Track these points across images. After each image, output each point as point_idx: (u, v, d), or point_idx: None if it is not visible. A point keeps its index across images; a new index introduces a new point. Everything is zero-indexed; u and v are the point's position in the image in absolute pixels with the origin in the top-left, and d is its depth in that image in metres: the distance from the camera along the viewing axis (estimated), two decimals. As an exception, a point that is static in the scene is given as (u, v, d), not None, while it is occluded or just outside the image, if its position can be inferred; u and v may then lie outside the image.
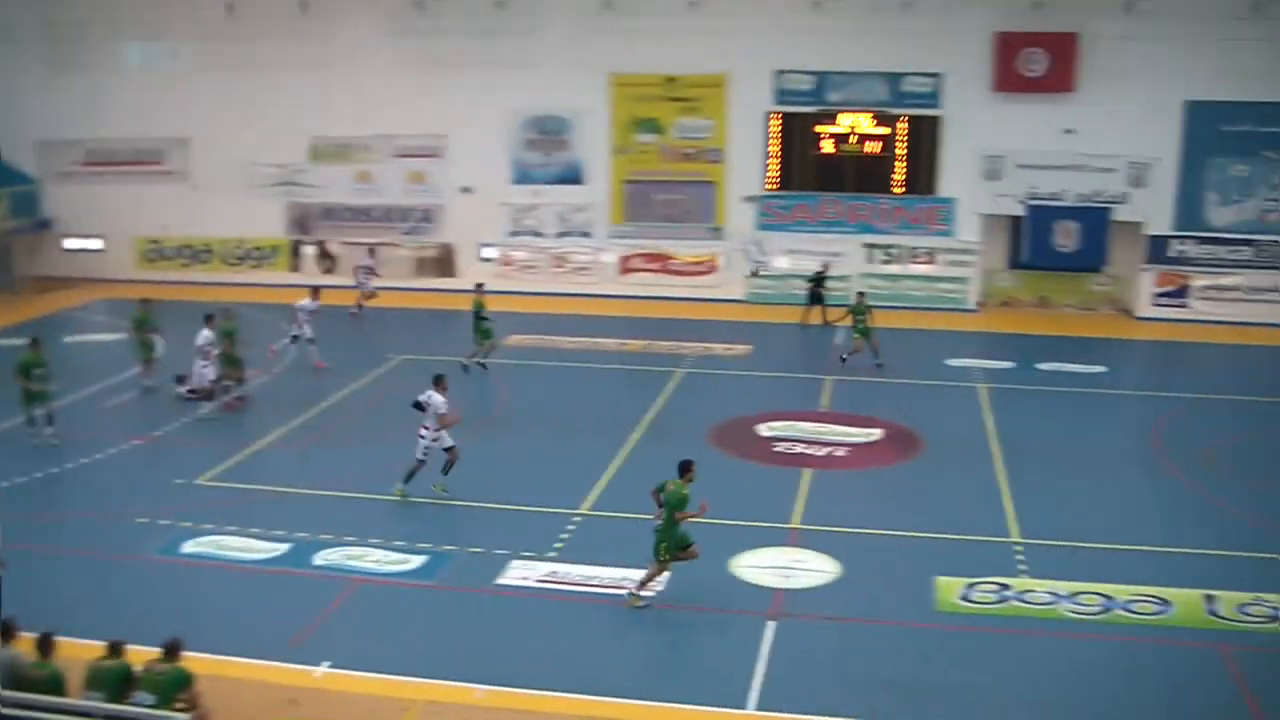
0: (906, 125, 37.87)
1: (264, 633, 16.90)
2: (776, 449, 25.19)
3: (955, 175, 38.05)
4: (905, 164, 38.11)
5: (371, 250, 38.36)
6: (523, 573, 18.92)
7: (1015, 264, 39.11)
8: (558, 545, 19.95)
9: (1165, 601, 18.51)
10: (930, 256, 38.61)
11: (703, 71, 38.27)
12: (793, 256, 38.94)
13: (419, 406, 22.09)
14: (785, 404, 28.12)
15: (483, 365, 30.14)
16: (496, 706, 15.00)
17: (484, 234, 39.92)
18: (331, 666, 15.95)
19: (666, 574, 18.24)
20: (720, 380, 30.55)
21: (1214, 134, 37.20)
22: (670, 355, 32.25)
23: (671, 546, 17.92)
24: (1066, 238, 37.69)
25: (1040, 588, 18.84)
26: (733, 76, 38.30)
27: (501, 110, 39.15)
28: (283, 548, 19.74)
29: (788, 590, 18.59)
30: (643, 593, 18.04)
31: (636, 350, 32.88)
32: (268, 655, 16.21)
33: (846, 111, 37.99)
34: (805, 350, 33.39)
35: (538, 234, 39.73)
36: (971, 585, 18.80)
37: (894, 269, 38.69)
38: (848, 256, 38.53)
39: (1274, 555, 20.43)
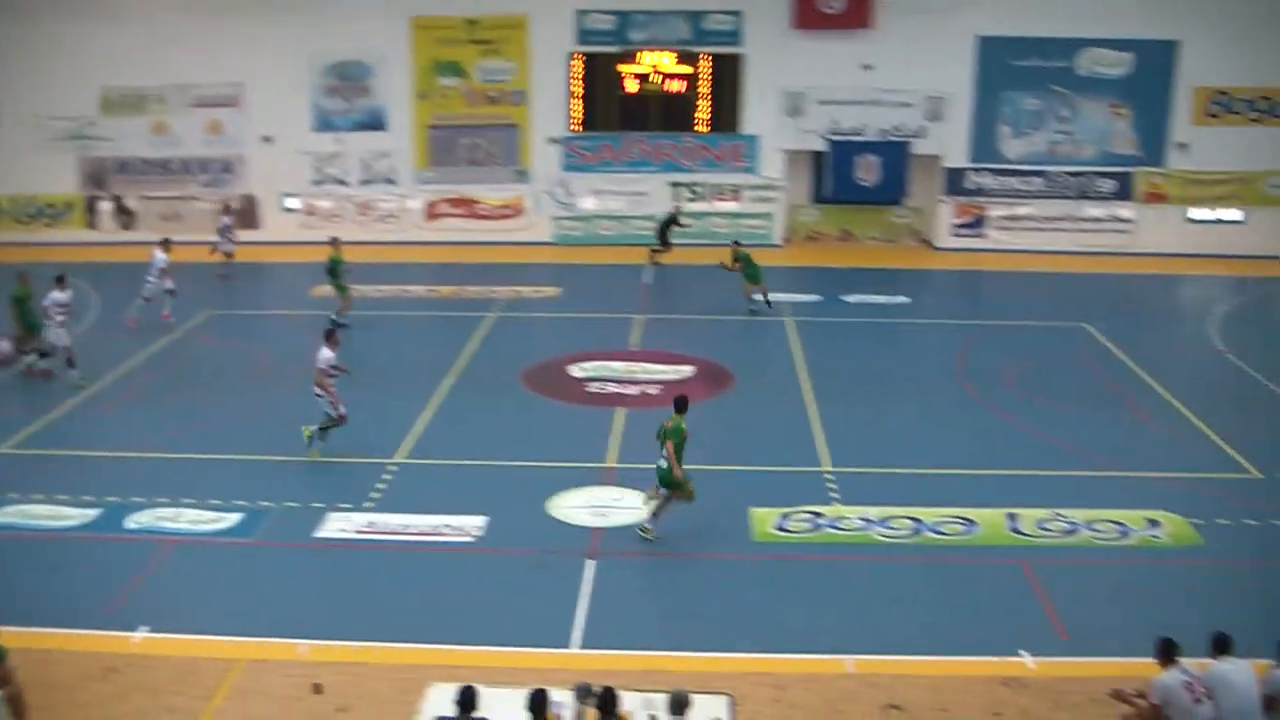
0: (709, 63, 38.01)
1: (78, 601, 16.43)
2: (590, 389, 25.30)
3: (758, 112, 38.41)
4: (709, 102, 38.30)
5: (227, 208, 37.16)
6: (340, 525, 18.73)
7: (819, 199, 39.74)
8: (374, 495, 19.79)
9: (971, 521, 19.18)
10: (735, 193, 38.99)
11: (504, 12, 37.90)
12: (599, 197, 38.99)
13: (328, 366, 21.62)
14: (596, 344, 28.24)
15: (341, 321, 29.42)
16: (322, 661, 14.86)
17: (287, 184, 39.04)
18: (150, 631, 15.60)
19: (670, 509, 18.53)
20: (531, 323, 30.56)
21: (1005, 69, 38.22)
22: (480, 300, 32.09)
23: (687, 482, 18.32)
24: (868, 172, 38.41)
25: (852, 514, 19.33)
26: (534, 17, 37.98)
27: (300, 56, 38.22)
28: (93, 513, 19.12)
29: (607, 529, 18.76)
30: (650, 526, 18.45)
31: (446, 296, 32.67)
32: (83, 624, 15.79)
33: (649, 50, 38.00)
34: (614, 290, 33.47)
35: (342, 182, 39.00)
36: (786, 515, 19.21)
37: (700, 207, 38.96)
38: (653, 195, 38.69)
39: (1070, 472, 21.34)
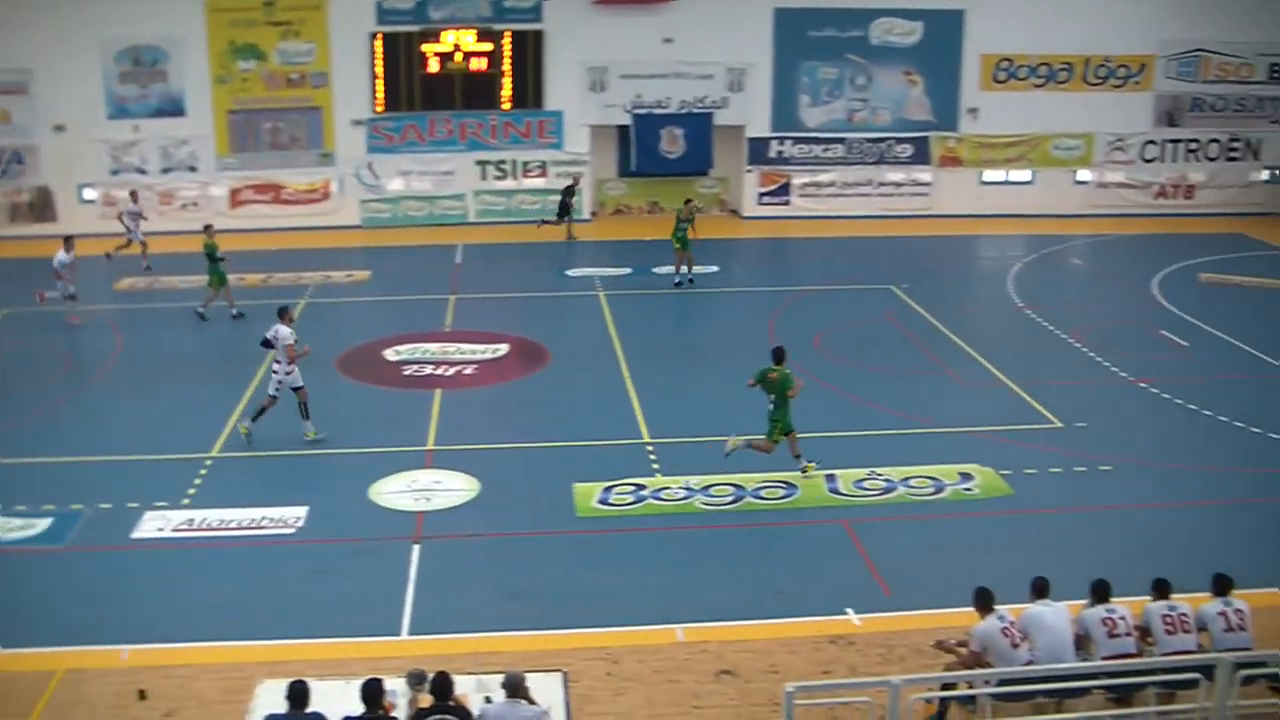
0: (510, 40, 37.83)
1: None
2: (405, 372, 25.12)
3: (561, 88, 38.39)
4: (511, 79, 38.12)
5: (134, 194, 35.55)
6: (158, 524, 18.24)
7: (625, 172, 39.98)
8: (191, 492, 19.32)
9: (791, 485, 19.56)
10: (542, 170, 38.94)
11: (301, -7, 37.27)
12: (406, 178, 38.60)
13: (267, 344, 21.11)
14: (410, 326, 28.04)
15: (201, 314, 28.68)
16: (145, 666, 14.44)
17: (83, 174, 37.79)
18: (-42, 648, 15.02)
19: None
20: (343, 308, 30.17)
21: (803, 39, 38.89)
22: (290, 286, 31.51)
23: (785, 427, 19.58)
24: (673, 144, 38.76)
25: (674, 484, 19.57)
26: (332, -4, 37.43)
27: (91, 41, 36.83)
28: (-111, 525, 18.37)
29: (429, 512, 18.68)
30: (807, 463, 19.83)
31: (255, 284, 31.98)
32: (-112, 643, 15.13)
33: (450, 28, 37.63)
34: (425, 272, 33.20)
35: (141, 171, 37.87)
36: (608, 488, 19.36)
37: (508, 184, 38.86)
38: (460, 174, 38.47)
39: (884, 431, 21.91)
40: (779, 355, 20.13)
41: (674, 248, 31.63)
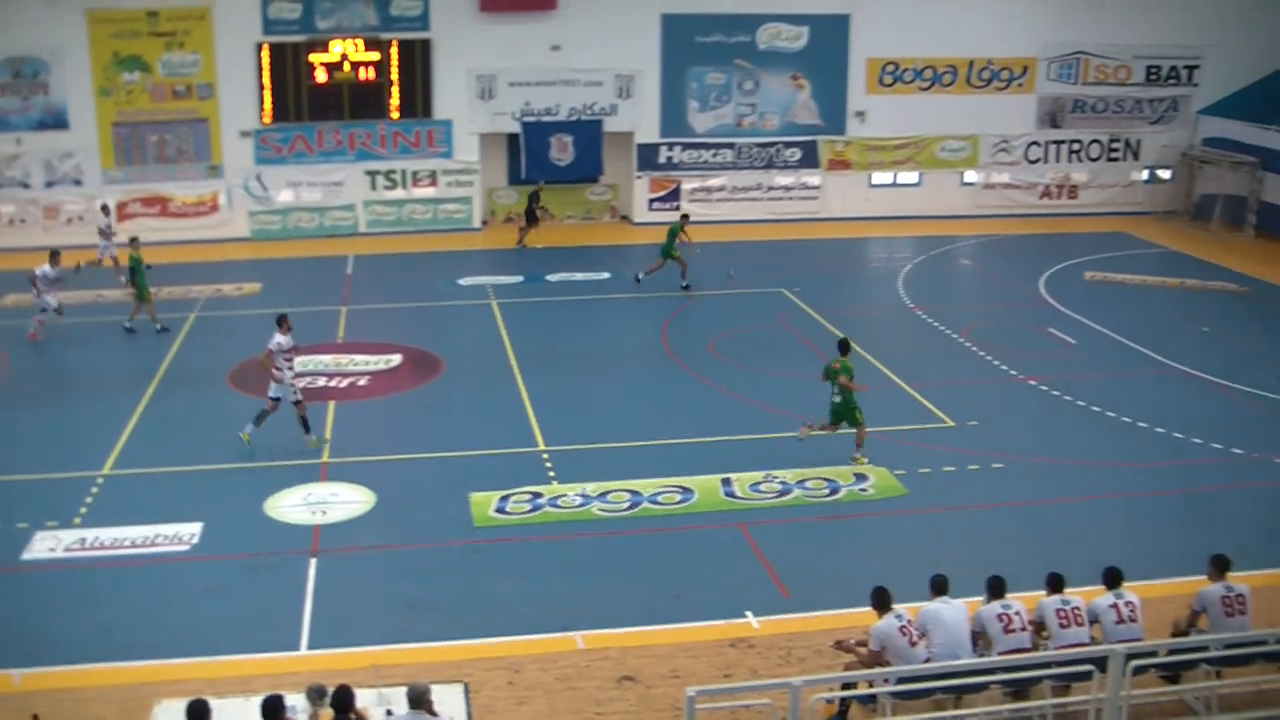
0: (398, 49, 37.53)
1: None
2: (299, 385, 24.77)
3: (450, 96, 38.15)
4: (400, 88, 37.80)
5: (105, 208, 34.24)
6: (49, 544, 17.82)
7: (516, 180, 39.82)
8: (82, 511, 18.93)
9: (688, 490, 19.65)
10: (432, 179, 38.68)
11: (185, 4, 36.57)
12: (295, 189, 38.13)
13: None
14: (302, 338, 27.47)
15: (129, 329, 28.08)
16: (39, 690, 14.10)
17: (-39, 189, 36.91)
18: None
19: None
20: (234, 321, 29.72)
21: (690, 45, 39.07)
22: (180, 300, 30.95)
23: (858, 410, 20.68)
24: (563, 151, 38.74)
25: (571, 491, 19.57)
26: (217, 7, 36.73)
27: (-34, 53, 36.14)
28: None
29: (326, 525, 18.49)
30: (861, 452, 20.85)
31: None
32: None
33: (337, 38, 37.26)
34: (317, 283, 32.80)
35: (24, 185, 37.06)
36: (505, 497, 19.31)
37: (398, 194, 38.56)
38: (350, 184, 38.10)
39: (779, 434, 21.99)
40: (844, 347, 21.30)
41: (672, 255, 31.96)
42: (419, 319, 29.62)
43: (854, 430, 20.87)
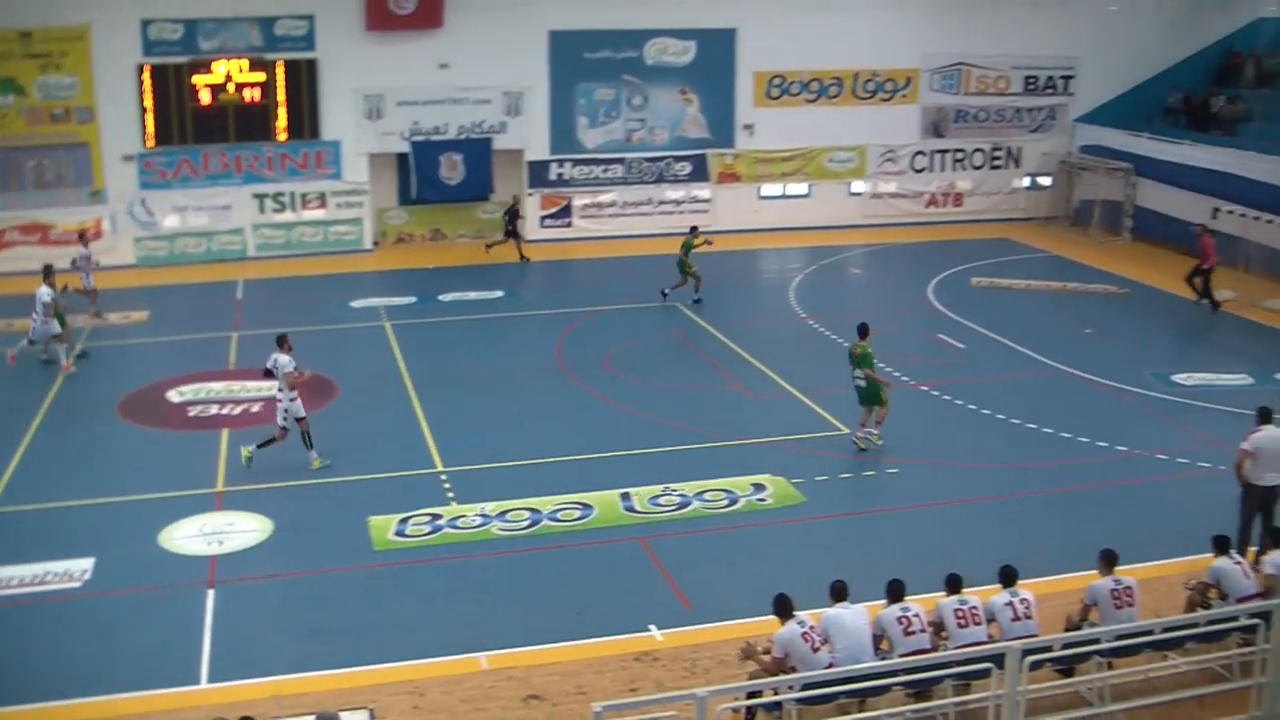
0: (283, 70, 37.17)
1: None
2: (190, 414, 24.50)
3: (337, 117, 37.84)
4: (286, 109, 37.43)
5: (83, 236, 32.67)
6: (-69, 585, 17.46)
7: (406, 200, 39.62)
8: (-34, 549, 18.56)
9: (587, 505, 19.70)
10: (322, 201, 38.36)
11: (62, 24, 35.87)
12: (181, 214, 37.55)
13: (268, 373, 20.91)
14: (193, 366, 27.33)
15: (47, 358, 27.46)
16: (-76, 733, 13.88)
17: None
18: None
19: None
20: (122, 351, 29.21)
21: (578, 61, 39.18)
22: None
23: (882, 391, 22.00)
24: (453, 170, 38.64)
25: (470, 512, 19.51)
26: (96, 28, 36.05)
27: None
28: None
29: (222, 555, 18.25)
30: (875, 433, 22.16)
31: (24, 329, 30.80)
32: None
33: (221, 59, 36.78)
34: (206, 309, 32.34)
35: (-106, 214, 36.19)
36: (405, 520, 19.22)
37: (287, 217, 38.18)
38: (237, 208, 37.62)
39: (677, 447, 22.19)
40: (862, 331, 22.44)
41: (688, 271, 32.23)
42: (311, 343, 29.17)
43: (877, 409, 22.22)
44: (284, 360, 21.12)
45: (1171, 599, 15.40)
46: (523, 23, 38.22)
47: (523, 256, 37.39)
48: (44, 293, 26.93)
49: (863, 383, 22.08)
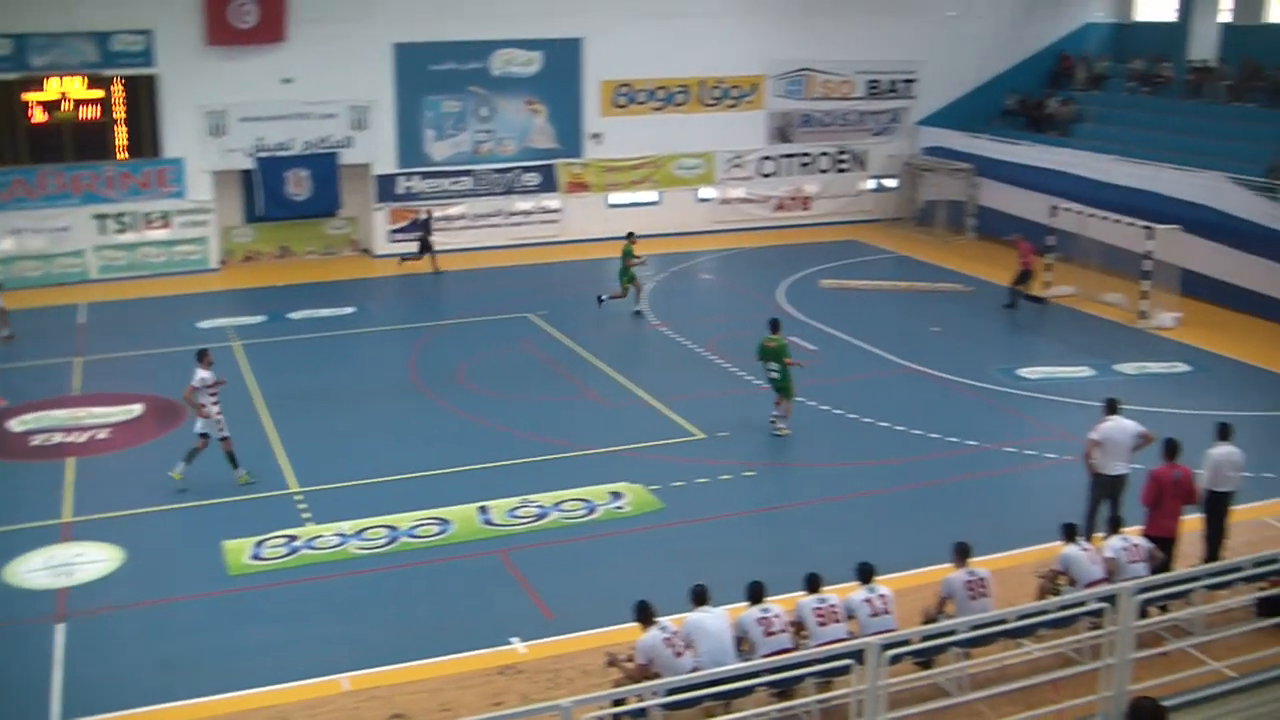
0: (122, 86, 36.30)
1: None
2: (33, 443, 23.79)
3: (179, 134, 37.05)
4: (126, 127, 36.62)
5: None
6: None
7: (252, 218, 38.98)
8: None
9: (445, 520, 19.61)
10: (165, 220, 37.55)
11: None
12: (17, 237, 36.40)
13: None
14: (35, 394, 26.58)
15: None
16: None
17: None
18: None
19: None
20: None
21: (424, 73, 38.95)
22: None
23: (792, 384, 23.14)
24: (299, 186, 38.15)
25: (327, 532, 19.30)
26: (-83, 47, 35.05)
27: None
28: None
29: (72, 588, 17.76)
30: (784, 425, 23.22)
31: None
32: None
33: (55, 76, 35.80)
34: (47, 334, 31.33)
35: None
36: (260, 543, 18.92)
37: (129, 237, 37.31)
38: (77, 229, 36.62)
39: (534, 458, 22.17)
40: (774, 326, 23.51)
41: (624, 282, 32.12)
42: (159, 366, 28.65)
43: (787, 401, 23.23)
44: (196, 375, 20.91)
45: (1024, 588, 15.75)
46: (366, 36, 37.88)
47: (436, 269, 37.11)
48: None
49: (777, 374, 23.06)
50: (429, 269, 37.15)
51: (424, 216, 37.74)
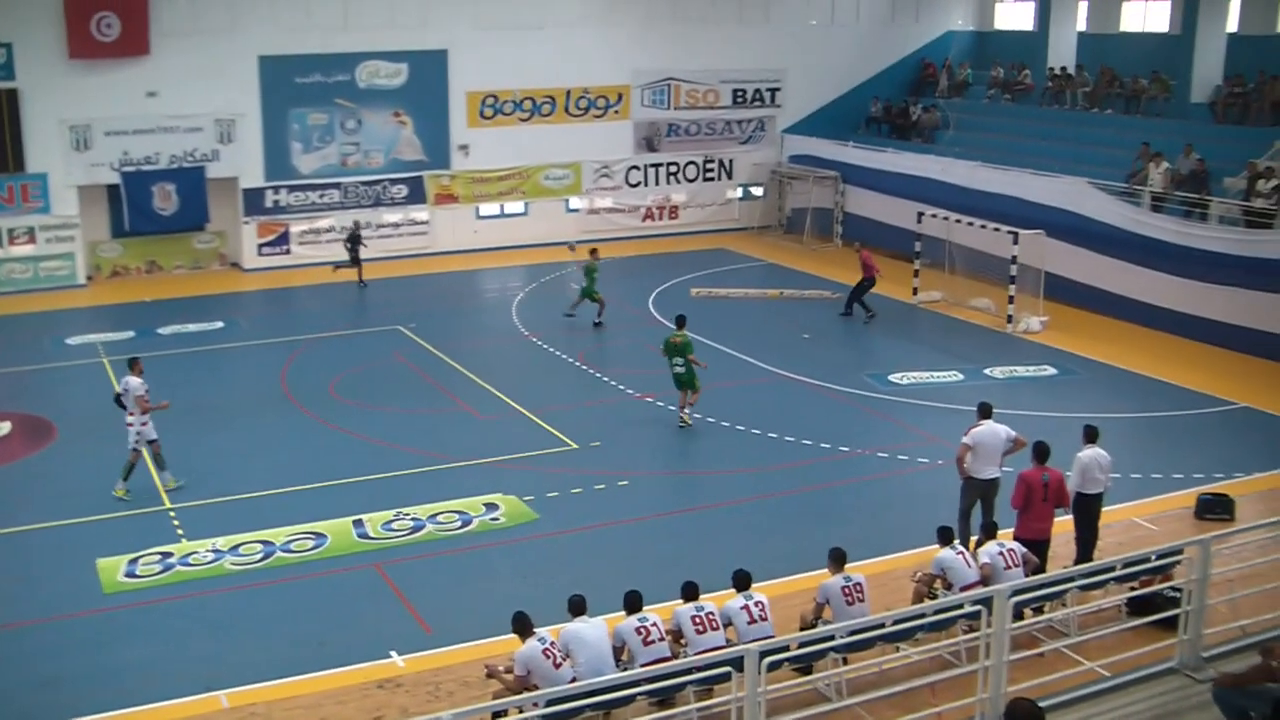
0: (-20, 100, 35.62)
1: None
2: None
3: (42, 148, 36.34)
4: (-15, 141, 35.93)
5: None
6: None
7: (119, 232, 38.39)
8: None
9: (320, 535, 19.65)
10: (30, 236, 36.81)
11: None
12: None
13: (119, 400, 21.15)
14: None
15: None
16: None
17: None
18: None
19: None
20: None
21: (290, 86, 38.71)
22: None
23: (696, 379, 24.24)
24: (166, 200, 37.68)
25: (202, 548, 19.24)
26: None
27: None
28: None
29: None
30: (688, 415, 24.40)
31: None
32: None
33: (-92, 90, 35.07)
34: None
35: None
36: (134, 560, 18.81)
37: (-8, 254, 36.62)
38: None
39: (408, 471, 22.27)
40: (680, 322, 24.86)
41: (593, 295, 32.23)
42: (27, 383, 28.24)
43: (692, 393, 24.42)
44: (135, 383, 20.98)
45: (900, 592, 16.15)
46: (231, 49, 37.56)
47: (360, 280, 36.90)
48: None
49: (682, 369, 24.13)
50: (356, 278, 37.01)
51: (354, 228, 37.44)
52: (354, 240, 37.04)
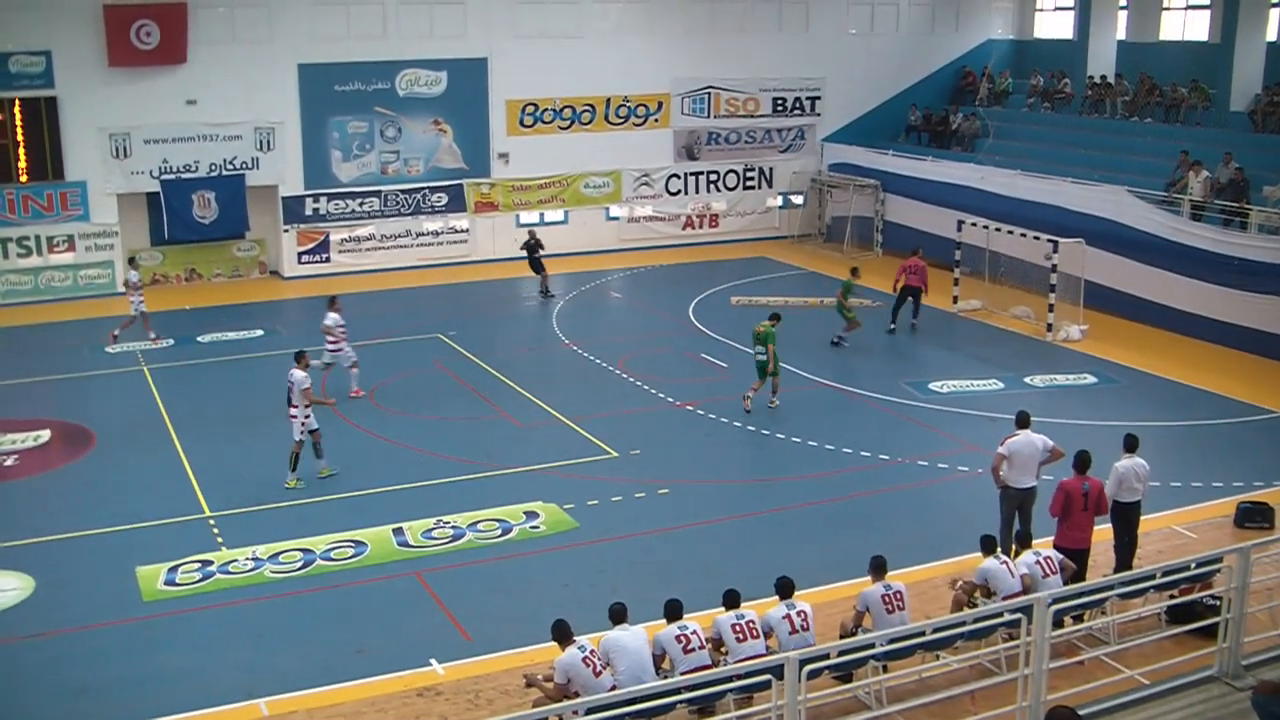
0: (20, 108, 35.74)
1: None
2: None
3: (82, 156, 36.57)
4: (26, 149, 36.04)
5: (133, 261, 32.45)
6: None
7: (159, 240, 38.55)
8: None
9: (360, 543, 19.56)
10: (70, 244, 37.03)
11: None
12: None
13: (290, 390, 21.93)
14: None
15: None
16: None
17: None
18: None
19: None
20: None
21: (330, 94, 38.77)
22: None
23: (773, 369, 25.66)
24: (205, 208, 37.81)
25: (241, 556, 19.19)
26: None
27: None
28: None
29: (-17, 618, 17.57)
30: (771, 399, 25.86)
31: None
32: None
33: (-49, 100, 35.34)
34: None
35: None
36: (174, 569, 18.77)
37: (33, 261, 36.76)
38: (-22, 254, 36.17)
39: (448, 479, 22.22)
40: (774, 317, 26.08)
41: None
42: (66, 391, 28.34)
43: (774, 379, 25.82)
44: (300, 376, 21.87)
45: (940, 600, 16.00)
46: (270, 57, 37.69)
47: (545, 289, 36.81)
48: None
49: (763, 357, 25.43)
50: (541, 288, 36.94)
51: (530, 239, 37.08)
52: (531, 249, 36.82)
